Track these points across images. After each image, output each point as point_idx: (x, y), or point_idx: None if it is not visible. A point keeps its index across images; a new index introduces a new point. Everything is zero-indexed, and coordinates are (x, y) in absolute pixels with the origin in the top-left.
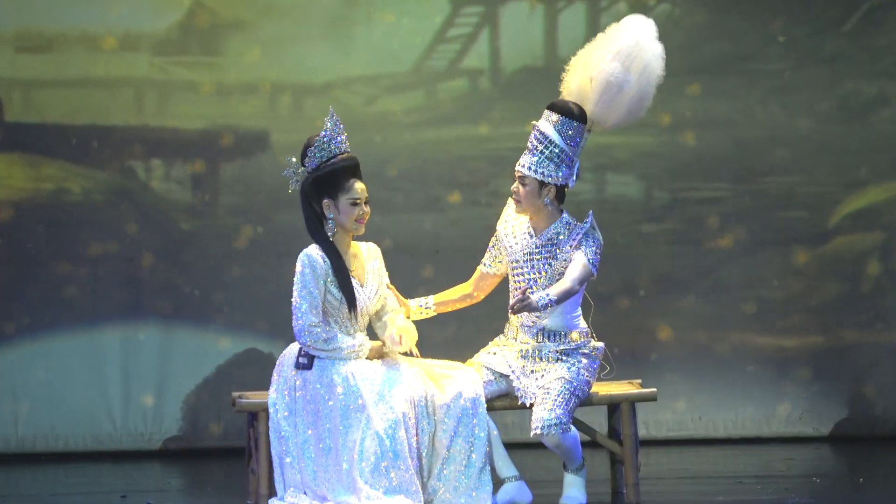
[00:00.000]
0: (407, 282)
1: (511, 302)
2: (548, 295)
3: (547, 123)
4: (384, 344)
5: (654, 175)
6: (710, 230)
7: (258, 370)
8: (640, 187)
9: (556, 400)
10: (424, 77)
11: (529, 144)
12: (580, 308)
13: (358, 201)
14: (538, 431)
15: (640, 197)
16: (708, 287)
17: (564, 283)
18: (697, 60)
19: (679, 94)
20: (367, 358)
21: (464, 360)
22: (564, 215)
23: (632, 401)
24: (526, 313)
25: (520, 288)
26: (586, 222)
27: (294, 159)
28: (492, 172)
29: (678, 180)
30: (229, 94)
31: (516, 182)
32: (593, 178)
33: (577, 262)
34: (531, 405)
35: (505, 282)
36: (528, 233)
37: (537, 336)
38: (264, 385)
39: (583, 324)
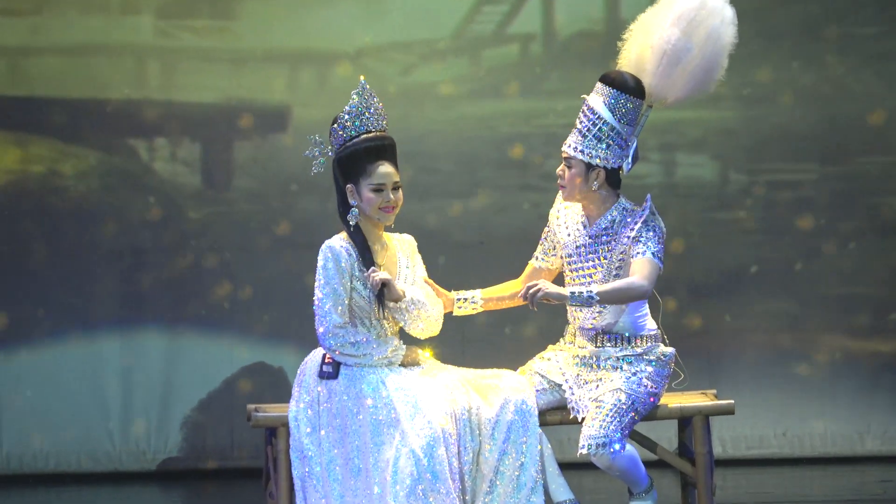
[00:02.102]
0: (446, 277)
1: (523, 289)
2: (589, 291)
3: (597, 98)
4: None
5: (730, 155)
6: (795, 218)
7: (277, 381)
8: (714, 169)
9: (608, 415)
10: (467, 43)
11: (578, 122)
12: (647, 307)
13: (382, 187)
14: (584, 451)
15: (714, 180)
16: (792, 283)
17: (618, 282)
18: (779, 24)
19: (758, 63)
20: (401, 365)
21: (516, 368)
22: (621, 200)
23: (706, 414)
24: (584, 313)
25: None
26: (645, 207)
27: (319, 137)
28: (545, 152)
29: (758, 161)
30: (244, 63)
31: (562, 164)
32: (660, 158)
33: (639, 258)
34: (583, 419)
35: (561, 279)
36: (582, 222)
37: (596, 340)
38: (284, 398)
39: (651, 325)
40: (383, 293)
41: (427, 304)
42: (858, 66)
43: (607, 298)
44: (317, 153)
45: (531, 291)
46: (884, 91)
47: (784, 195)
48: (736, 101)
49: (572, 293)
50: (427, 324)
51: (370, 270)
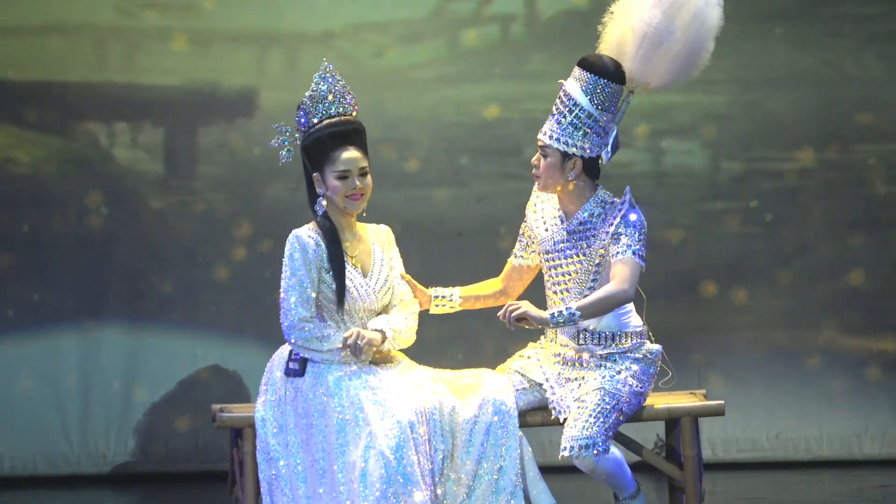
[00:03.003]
0: (421, 271)
1: (503, 310)
2: (568, 309)
3: (574, 83)
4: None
5: (722, 142)
6: (791, 208)
7: (243, 380)
8: (705, 156)
9: (591, 415)
10: (445, 23)
11: (554, 108)
12: (631, 303)
13: (347, 174)
14: (566, 453)
15: (705, 168)
16: (786, 278)
17: (599, 293)
18: (774, 3)
19: (752, 45)
20: (372, 363)
21: (494, 368)
22: (599, 192)
23: (694, 415)
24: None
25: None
26: (624, 200)
27: (285, 125)
28: (526, 138)
29: (752, 148)
30: (209, 44)
31: (537, 153)
32: (648, 145)
33: (619, 259)
34: (564, 420)
35: (540, 275)
36: (560, 217)
37: (578, 337)
38: (250, 398)
39: (636, 322)
40: (361, 350)
41: (404, 327)
42: (857, 49)
43: (589, 312)
44: (284, 142)
45: (511, 311)
46: (884, 75)
47: (778, 184)
48: (728, 86)
49: (552, 315)
50: (406, 340)
51: (344, 341)
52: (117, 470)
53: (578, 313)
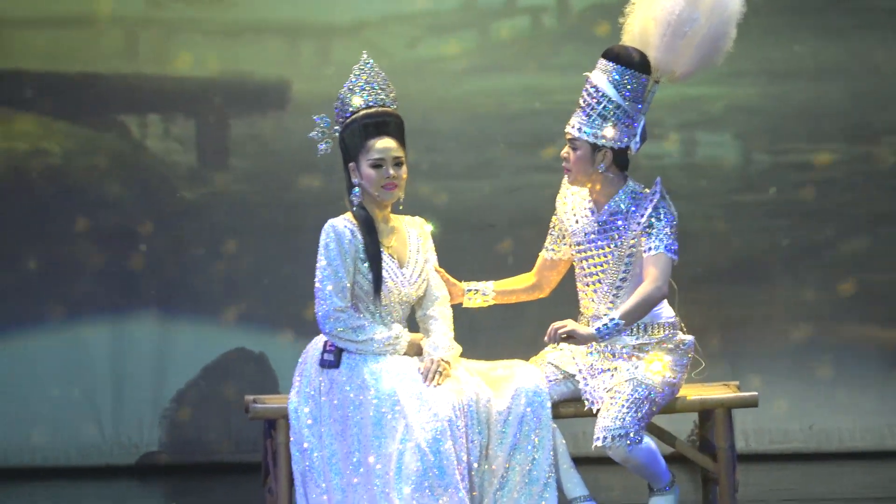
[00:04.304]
0: (453, 263)
1: (550, 329)
2: (612, 320)
3: (601, 74)
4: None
5: (753, 134)
6: (822, 200)
7: (276, 370)
8: (736, 149)
9: (624, 405)
10: (476, 14)
11: (581, 101)
12: None
13: (381, 162)
14: (599, 443)
15: (736, 160)
16: (819, 268)
17: (636, 297)
18: None
19: (783, 36)
20: (405, 354)
21: (527, 359)
22: (629, 182)
23: (728, 406)
24: (597, 301)
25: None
26: (654, 191)
27: (325, 116)
28: (558, 130)
29: (783, 140)
30: (241, 35)
31: (566, 147)
32: (679, 137)
33: (651, 255)
34: (597, 411)
35: (572, 267)
36: (590, 209)
37: None
38: (284, 388)
39: (668, 312)
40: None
41: (452, 343)
42: (888, 39)
43: (632, 317)
44: (322, 134)
45: (559, 330)
46: None
47: (809, 176)
48: (758, 77)
49: (597, 329)
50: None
51: (424, 375)
52: (149, 460)
53: (622, 322)
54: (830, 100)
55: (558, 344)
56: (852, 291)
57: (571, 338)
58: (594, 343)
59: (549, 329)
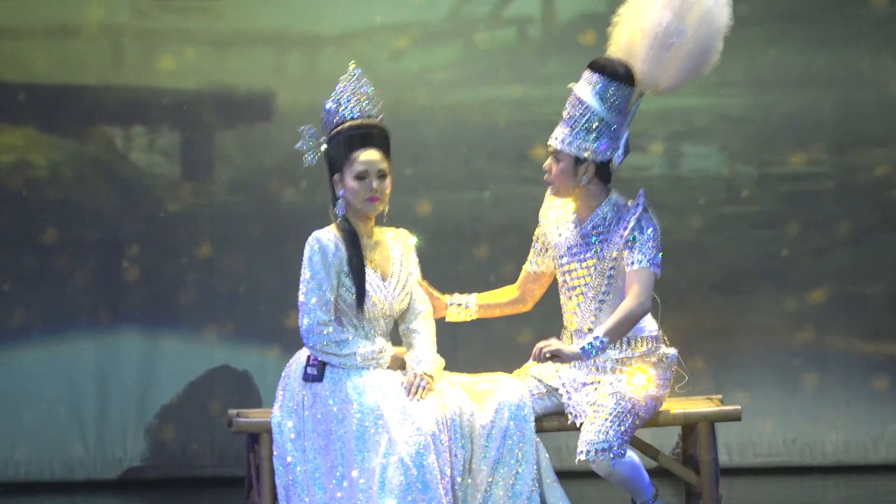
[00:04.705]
0: (438, 275)
1: (535, 349)
2: (597, 338)
3: (585, 86)
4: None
5: (739, 145)
6: (808, 213)
7: (259, 384)
8: (721, 160)
9: (607, 419)
10: (462, 26)
11: (565, 113)
12: None
13: (364, 175)
14: (582, 457)
15: (721, 172)
16: (804, 282)
17: (618, 313)
18: (790, 5)
19: (768, 46)
20: (389, 368)
21: (511, 372)
22: (613, 195)
23: (711, 420)
24: (580, 315)
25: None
26: (637, 204)
27: (312, 128)
28: (544, 141)
29: (768, 152)
30: (227, 46)
31: (549, 159)
32: (664, 148)
33: (633, 269)
34: (581, 425)
35: (555, 280)
36: (573, 221)
37: None
38: (267, 402)
39: (651, 326)
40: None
41: (435, 356)
42: (874, 49)
43: (616, 334)
44: (309, 145)
45: (544, 349)
46: None
47: (795, 187)
48: (744, 88)
49: (582, 348)
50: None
51: (407, 389)
52: (133, 475)
53: (607, 339)
54: (817, 110)
55: (543, 363)
56: (837, 304)
57: (557, 357)
58: None
59: (535, 348)
